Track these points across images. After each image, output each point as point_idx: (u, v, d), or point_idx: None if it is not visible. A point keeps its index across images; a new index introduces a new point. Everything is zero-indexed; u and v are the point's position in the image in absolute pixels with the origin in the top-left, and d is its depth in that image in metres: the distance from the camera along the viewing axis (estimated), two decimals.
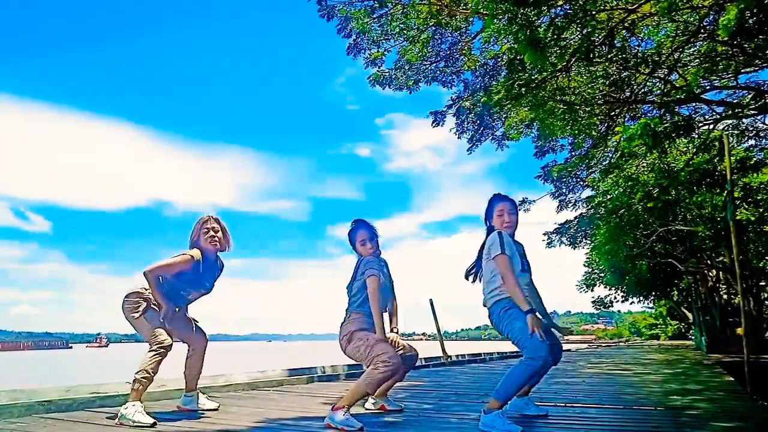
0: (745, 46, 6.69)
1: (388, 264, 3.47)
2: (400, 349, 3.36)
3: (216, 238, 3.45)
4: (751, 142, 10.23)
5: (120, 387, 3.94)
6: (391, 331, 3.45)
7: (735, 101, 8.78)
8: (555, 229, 15.27)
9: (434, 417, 3.29)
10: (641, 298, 27.44)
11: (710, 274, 17.81)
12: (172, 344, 3.26)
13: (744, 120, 9.25)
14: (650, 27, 7.71)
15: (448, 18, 7.76)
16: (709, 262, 16.76)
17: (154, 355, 3.16)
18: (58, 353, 67.91)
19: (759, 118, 9.27)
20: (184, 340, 3.54)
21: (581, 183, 11.50)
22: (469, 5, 7.20)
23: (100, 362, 38.76)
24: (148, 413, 3.00)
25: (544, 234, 15.31)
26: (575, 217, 14.33)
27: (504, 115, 9.12)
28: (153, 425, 2.88)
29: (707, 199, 10.34)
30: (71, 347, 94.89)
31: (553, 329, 3.14)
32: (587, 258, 23.85)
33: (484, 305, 3.15)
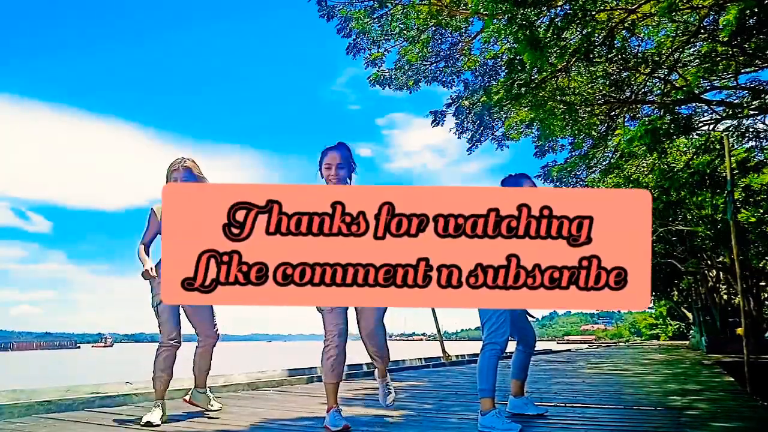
0: (745, 46, 6.69)
1: None
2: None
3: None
4: (752, 143, 10.22)
5: (120, 387, 3.94)
6: None
7: (735, 101, 8.77)
8: None
9: (434, 417, 3.29)
10: None
11: (710, 274, 17.81)
12: (179, 341, 3.19)
13: (744, 121, 9.24)
14: (650, 27, 7.71)
15: (448, 18, 7.76)
16: (709, 262, 16.77)
17: (158, 356, 3.16)
18: (69, 353, 70.22)
19: (759, 118, 9.26)
20: (195, 328, 3.42)
21: (581, 183, 11.48)
22: (469, 5, 7.21)
23: (108, 361, 39.45)
24: (147, 414, 3.00)
25: None
26: None
27: (504, 115, 9.11)
28: (148, 425, 2.89)
29: (707, 199, 10.33)
30: (79, 347, 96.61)
31: (527, 316, 3.26)
32: None
33: None
